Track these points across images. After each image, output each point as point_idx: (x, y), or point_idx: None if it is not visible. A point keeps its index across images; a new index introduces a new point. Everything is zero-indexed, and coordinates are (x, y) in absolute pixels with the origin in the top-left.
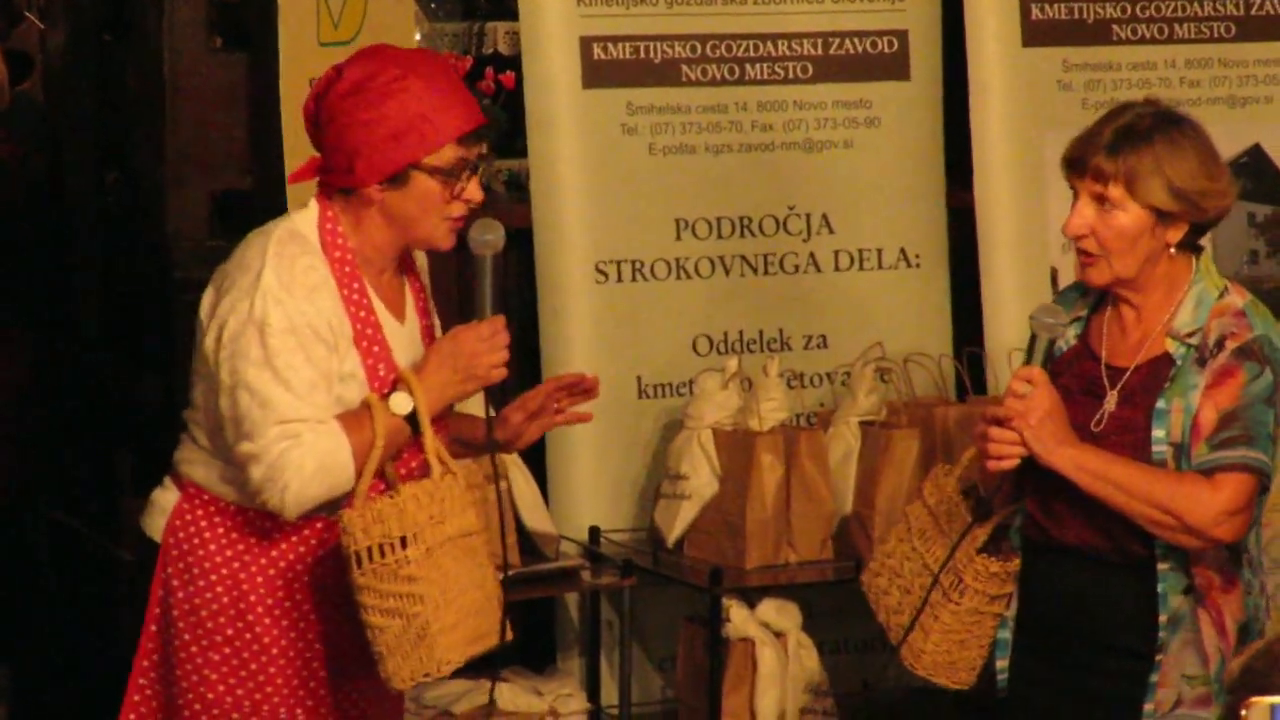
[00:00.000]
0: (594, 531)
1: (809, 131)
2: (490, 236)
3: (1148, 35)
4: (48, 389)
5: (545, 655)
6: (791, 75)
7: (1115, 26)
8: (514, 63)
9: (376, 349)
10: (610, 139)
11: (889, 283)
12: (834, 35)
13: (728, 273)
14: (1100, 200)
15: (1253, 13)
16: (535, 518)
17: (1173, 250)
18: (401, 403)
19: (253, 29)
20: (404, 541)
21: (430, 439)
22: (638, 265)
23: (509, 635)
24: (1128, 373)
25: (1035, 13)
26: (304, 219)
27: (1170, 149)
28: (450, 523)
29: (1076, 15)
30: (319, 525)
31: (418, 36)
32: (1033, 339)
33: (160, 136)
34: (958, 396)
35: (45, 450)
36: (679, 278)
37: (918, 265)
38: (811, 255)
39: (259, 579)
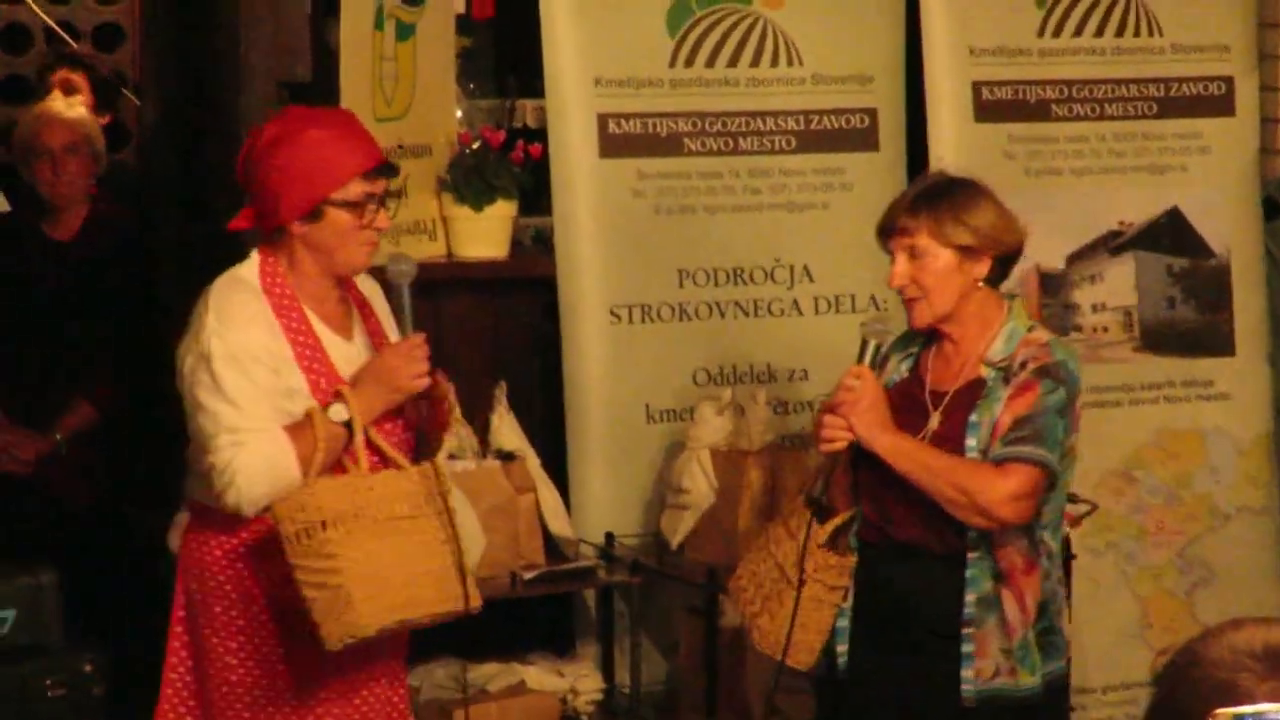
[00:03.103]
0: (608, 536)
1: (792, 194)
2: (404, 267)
3: (1081, 113)
4: (137, 416)
5: (567, 642)
6: (777, 147)
7: (1054, 105)
8: (540, 135)
9: (317, 366)
10: (623, 201)
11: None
12: (814, 113)
13: (723, 315)
14: (911, 252)
15: (1171, 94)
16: (558, 524)
17: (980, 284)
18: (338, 412)
19: (319, 105)
20: (323, 525)
21: (359, 441)
22: (646, 309)
23: (474, 602)
24: (948, 395)
25: (985, 94)
26: (246, 266)
27: (963, 198)
28: (374, 509)
29: (1021, 96)
30: None
31: (459, 113)
32: (863, 344)
33: (239, 197)
34: None
35: (135, 464)
36: (681, 320)
37: (885, 309)
38: (795, 300)
39: (260, 575)
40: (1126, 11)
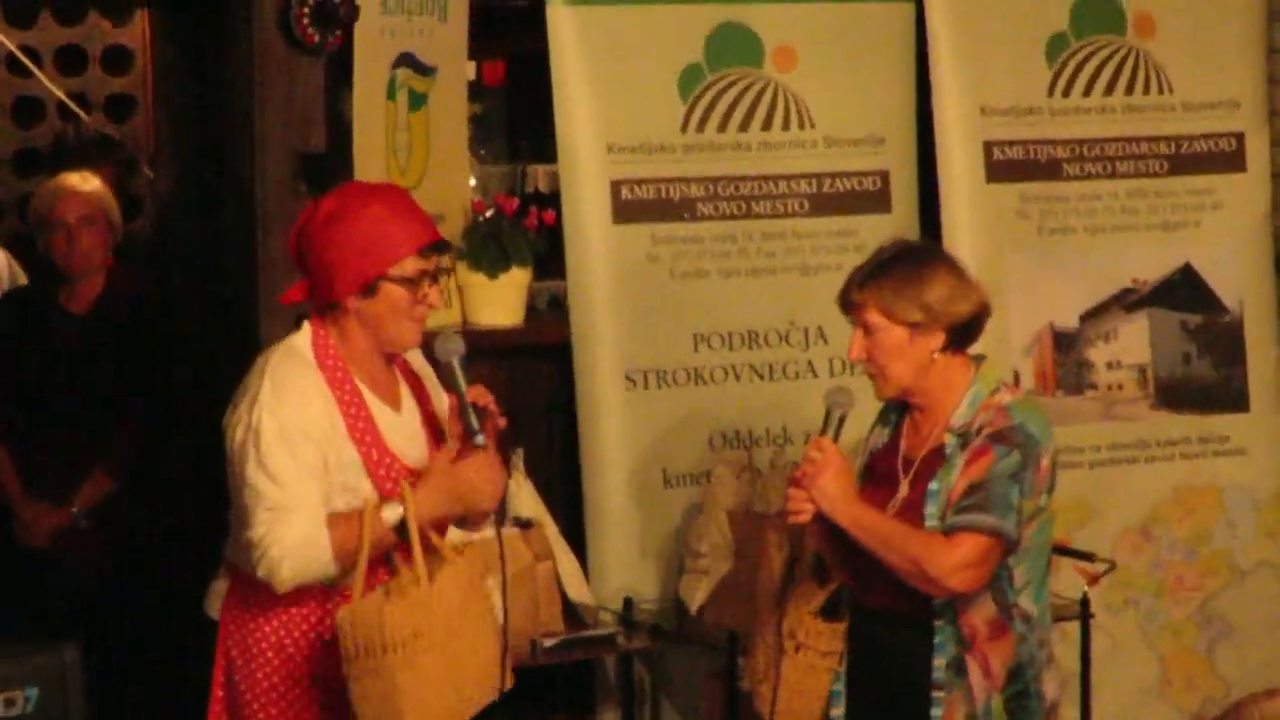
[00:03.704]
0: (628, 601)
1: (805, 257)
2: (452, 345)
3: (1093, 172)
4: (154, 485)
5: (587, 707)
6: (790, 210)
7: (1065, 165)
8: (552, 200)
9: (369, 439)
10: (637, 266)
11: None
12: (826, 175)
13: (738, 378)
14: (865, 328)
15: (1181, 152)
16: (577, 591)
17: (936, 355)
18: (392, 512)
19: (333, 176)
20: (384, 649)
21: (418, 551)
22: (661, 373)
23: (509, 684)
24: (916, 463)
25: (997, 154)
26: (300, 337)
27: (910, 273)
28: (434, 627)
29: (1032, 155)
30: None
31: (472, 181)
32: (827, 414)
33: (253, 266)
34: None
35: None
36: (697, 384)
37: None
38: (809, 363)
39: (302, 643)
40: (1136, 69)
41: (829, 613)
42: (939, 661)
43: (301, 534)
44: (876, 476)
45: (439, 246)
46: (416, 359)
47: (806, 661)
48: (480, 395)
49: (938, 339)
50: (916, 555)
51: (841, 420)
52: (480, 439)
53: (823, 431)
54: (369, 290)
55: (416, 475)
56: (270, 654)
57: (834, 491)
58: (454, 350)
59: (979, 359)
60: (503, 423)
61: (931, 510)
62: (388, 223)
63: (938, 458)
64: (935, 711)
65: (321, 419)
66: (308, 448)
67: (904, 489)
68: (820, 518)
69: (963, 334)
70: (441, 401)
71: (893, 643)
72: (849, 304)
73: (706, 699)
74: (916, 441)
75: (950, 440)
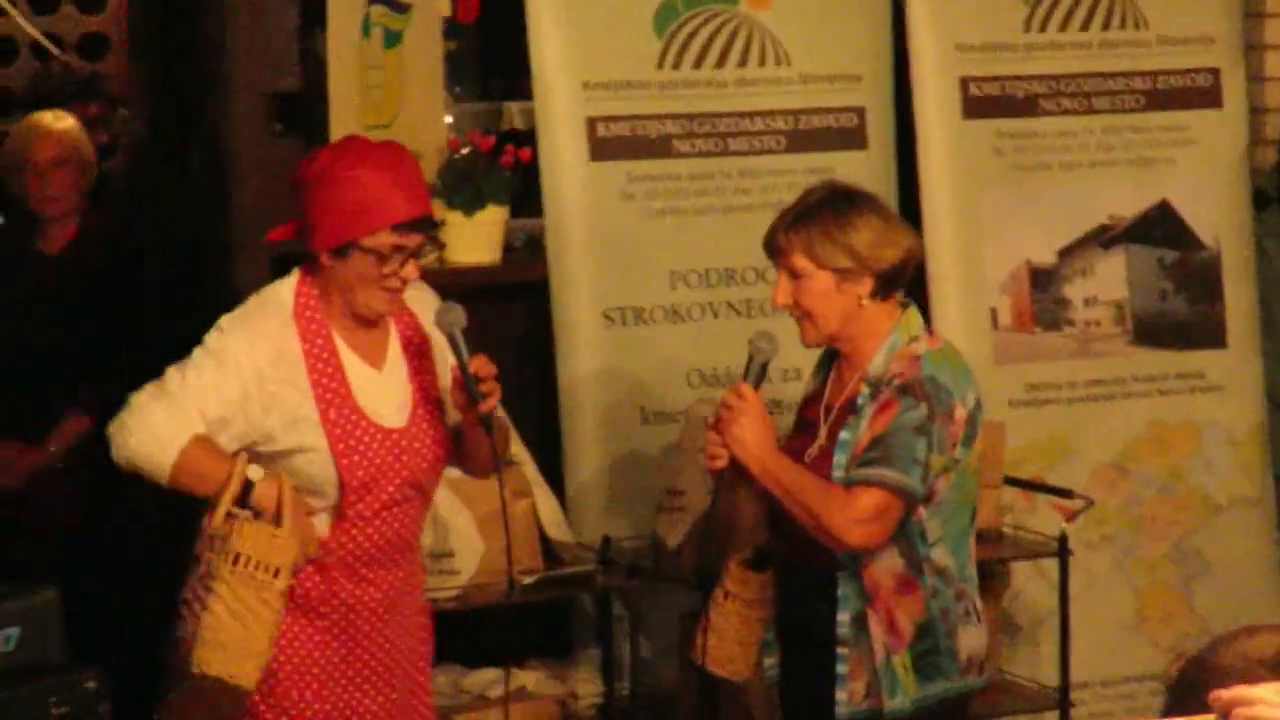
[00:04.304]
0: (606, 540)
1: (782, 194)
2: (453, 316)
3: (1069, 108)
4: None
5: (565, 646)
6: (766, 147)
7: (1042, 100)
8: (528, 137)
9: (330, 396)
10: (613, 204)
11: None
12: (802, 112)
13: (716, 316)
14: (791, 272)
15: (1158, 86)
16: (556, 529)
17: (864, 302)
18: (255, 473)
19: (308, 116)
20: (276, 571)
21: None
22: (639, 311)
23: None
24: (834, 411)
25: (973, 90)
26: (285, 283)
27: (837, 217)
28: (282, 578)
29: (1008, 92)
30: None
31: (448, 119)
32: (750, 359)
33: (226, 208)
34: None
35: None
36: (674, 321)
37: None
38: None
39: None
40: (1112, 4)
41: (758, 564)
42: (842, 617)
43: (165, 427)
44: (803, 425)
45: (420, 224)
46: (429, 320)
47: (734, 609)
48: (483, 366)
49: (865, 285)
50: (815, 508)
51: (764, 367)
52: (483, 409)
53: (744, 377)
54: (340, 252)
55: (388, 434)
56: None
57: (748, 438)
58: (455, 321)
59: (906, 304)
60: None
61: (839, 460)
62: (373, 189)
63: (852, 407)
64: (840, 668)
65: (270, 367)
66: (233, 380)
67: (821, 437)
68: (734, 464)
69: (891, 280)
70: (448, 365)
71: (804, 595)
72: (774, 249)
73: (682, 638)
74: (839, 389)
75: (864, 390)
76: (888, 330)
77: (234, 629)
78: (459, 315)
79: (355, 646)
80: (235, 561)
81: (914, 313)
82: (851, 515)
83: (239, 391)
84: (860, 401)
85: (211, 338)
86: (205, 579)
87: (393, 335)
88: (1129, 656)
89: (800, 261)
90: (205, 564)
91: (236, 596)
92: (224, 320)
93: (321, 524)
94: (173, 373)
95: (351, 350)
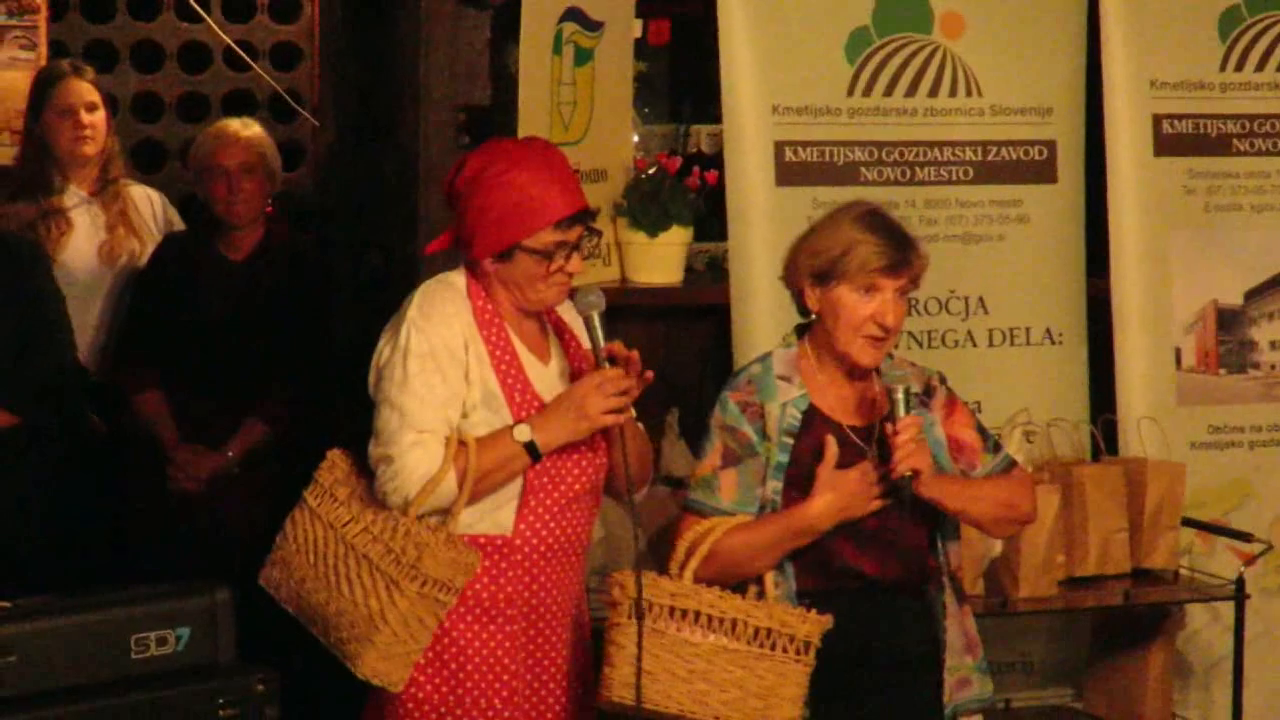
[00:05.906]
0: None
1: (968, 226)
2: (593, 298)
3: (1263, 148)
4: (307, 437)
5: None
6: (954, 178)
7: (1235, 140)
8: (714, 161)
9: (511, 381)
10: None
11: (1035, 357)
12: (991, 144)
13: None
14: (902, 292)
15: None
16: None
17: None
18: (522, 432)
19: (496, 130)
20: (447, 589)
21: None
22: None
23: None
24: (876, 427)
25: (1166, 127)
26: (456, 274)
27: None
28: (456, 594)
29: (1201, 130)
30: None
31: (635, 138)
32: (905, 394)
33: (414, 219)
34: (1093, 457)
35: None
36: None
37: (1060, 342)
38: (969, 332)
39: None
40: None
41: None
42: (948, 624)
43: (426, 467)
44: (817, 453)
45: (580, 217)
46: (569, 311)
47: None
48: (617, 351)
49: None
50: (1007, 499)
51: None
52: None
53: (906, 411)
54: (504, 256)
55: None
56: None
57: (926, 466)
58: (594, 304)
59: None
60: (649, 376)
61: (948, 460)
62: (529, 190)
63: (888, 417)
64: (948, 678)
65: (468, 343)
66: (454, 368)
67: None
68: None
69: None
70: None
71: (883, 614)
72: (909, 266)
73: None
74: (863, 407)
75: (898, 395)
76: None
77: (403, 639)
78: (599, 299)
79: (536, 650)
80: (424, 584)
81: None
82: (1030, 491)
83: (461, 373)
84: (904, 408)
85: (413, 341)
86: (363, 555)
87: (549, 330)
88: None
89: (916, 280)
90: (358, 521)
91: (414, 614)
92: (410, 319)
93: (506, 515)
94: (401, 405)
95: (521, 343)
